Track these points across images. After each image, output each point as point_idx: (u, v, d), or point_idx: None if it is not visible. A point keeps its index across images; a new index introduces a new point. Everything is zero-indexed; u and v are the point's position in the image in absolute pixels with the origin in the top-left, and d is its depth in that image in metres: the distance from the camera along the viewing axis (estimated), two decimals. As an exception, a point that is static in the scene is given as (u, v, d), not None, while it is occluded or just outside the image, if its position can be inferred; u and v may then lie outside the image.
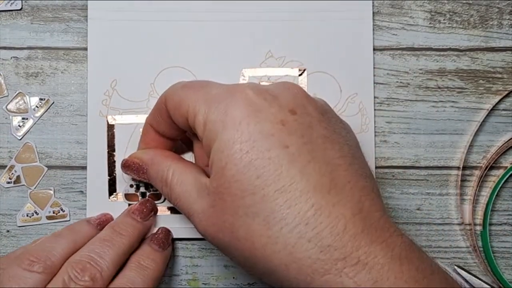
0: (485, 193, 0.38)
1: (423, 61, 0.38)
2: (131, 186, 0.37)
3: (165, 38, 0.38)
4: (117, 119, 0.37)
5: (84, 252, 0.31)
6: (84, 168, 0.37)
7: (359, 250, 0.24)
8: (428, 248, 0.37)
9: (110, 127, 0.37)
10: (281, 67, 0.38)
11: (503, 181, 0.37)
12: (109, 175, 0.37)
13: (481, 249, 0.37)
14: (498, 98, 0.38)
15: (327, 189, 0.26)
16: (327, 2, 0.38)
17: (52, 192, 0.37)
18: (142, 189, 0.37)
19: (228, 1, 0.38)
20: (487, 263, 0.37)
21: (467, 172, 0.38)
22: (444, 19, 0.38)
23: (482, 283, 0.36)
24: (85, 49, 0.38)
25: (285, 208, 0.25)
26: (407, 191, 0.38)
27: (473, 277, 0.36)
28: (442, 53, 0.38)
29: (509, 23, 0.38)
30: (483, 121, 0.38)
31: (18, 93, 0.38)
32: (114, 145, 0.37)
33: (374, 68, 0.38)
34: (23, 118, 0.38)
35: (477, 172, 0.38)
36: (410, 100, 0.38)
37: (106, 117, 0.37)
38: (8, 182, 0.37)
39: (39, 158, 0.37)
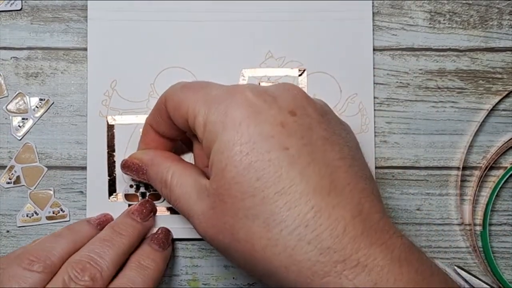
0: (485, 193, 0.38)
1: (423, 61, 0.38)
2: (131, 186, 0.37)
3: (165, 38, 0.38)
4: (117, 120, 0.37)
5: (84, 252, 0.31)
6: (84, 168, 0.37)
7: (359, 252, 0.24)
8: (428, 248, 0.37)
9: (110, 128, 0.37)
10: (281, 68, 0.38)
11: (503, 181, 0.37)
12: (109, 175, 0.37)
13: (481, 249, 0.37)
14: (498, 98, 0.38)
15: (327, 191, 0.26)
16: (327, 2, 0.38)
17: (52, 192, 0.37)
18: (142, 190, 0.37)
19: (228, 1, 0.38)
20: (487, 263, 0.37)
21: (467, 172, 0.38)
22: (444, 20, 0.38)
23: (482, 283, 0.36)
24: (85, 49, 0.38)
25: (285, 210, 0.25)
26: (407, 191, 0.38)
27: (473, 278, 0.37)
28: (442, 53, 0.38)
29: (509, 24, 0.38)
30: (483, 121, 0.38)
31: (18, 93, 0.38)
32: (114, 145, 0.37)
33: (374, 68, 0.38)
34: (23, 119, 0.37)
35: (477, 172, 0.38)
36: (410, 101, 0.38)
37: (106, 117, 0.37)
38: (8, 183, 0.37)
39: (39, 158, 0.37)
